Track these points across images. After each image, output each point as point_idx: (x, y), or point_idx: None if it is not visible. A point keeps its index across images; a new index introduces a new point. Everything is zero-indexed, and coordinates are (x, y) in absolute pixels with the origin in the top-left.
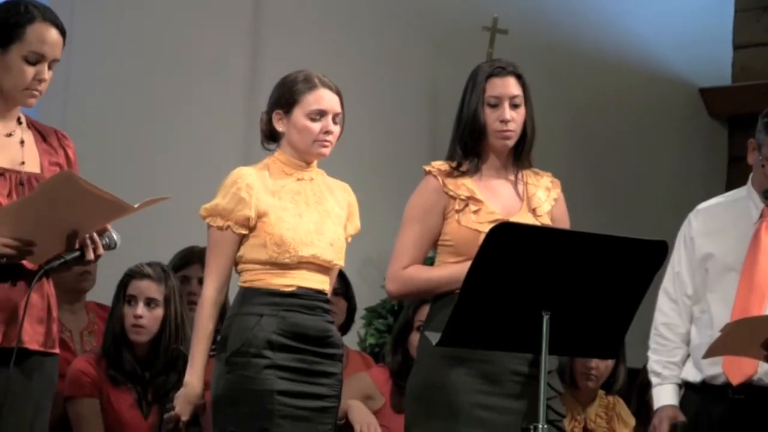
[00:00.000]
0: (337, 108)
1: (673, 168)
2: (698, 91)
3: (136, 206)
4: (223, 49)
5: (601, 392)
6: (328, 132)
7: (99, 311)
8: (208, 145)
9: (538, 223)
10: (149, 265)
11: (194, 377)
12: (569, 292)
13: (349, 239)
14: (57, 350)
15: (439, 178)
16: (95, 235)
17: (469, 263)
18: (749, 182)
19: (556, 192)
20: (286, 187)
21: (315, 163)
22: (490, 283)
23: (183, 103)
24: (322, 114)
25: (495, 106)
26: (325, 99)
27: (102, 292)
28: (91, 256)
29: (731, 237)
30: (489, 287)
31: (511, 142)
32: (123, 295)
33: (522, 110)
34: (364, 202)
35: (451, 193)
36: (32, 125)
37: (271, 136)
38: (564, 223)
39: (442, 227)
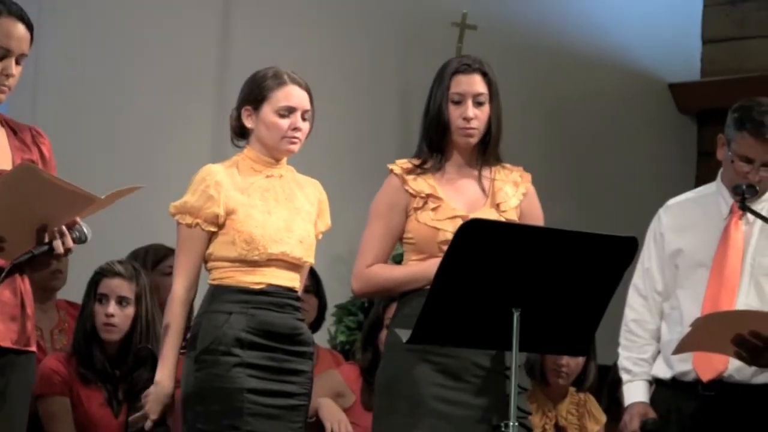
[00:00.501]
0: (306, 105)
1: (644, 163)
2: (667, 86)
3: (103, 197)
4: (193, 43)
5: (572, 389)
6: (296, 129)
7: (69, 309)
8: (179, 140)
9: (502, 219)
10: (120, 263)
11: (165, 376)
12: (539, 289)
13: (320, 236)
14: (33, 348)
15: (401, 176)
16: (64, 228)
17: (430, 261)
18: (718, 178)
19: (525, 186)
20: (255, 184)
21: (284, 160)
22: (459, 280)
23: (153, 97)
24: (290, 110)
25: (459, 102)
26: (294, 95)
27: (72, 290)
28: (60, 249)
29: (701, 233)
30: (459, 284)
31: (473, 140)
32: (94, 293)
33: (486, 108)
34: (335, 199)
35: (411, 191)
36: (5, 122)
37: (241, 133)
38: (535, 216)
39: (405, 225)
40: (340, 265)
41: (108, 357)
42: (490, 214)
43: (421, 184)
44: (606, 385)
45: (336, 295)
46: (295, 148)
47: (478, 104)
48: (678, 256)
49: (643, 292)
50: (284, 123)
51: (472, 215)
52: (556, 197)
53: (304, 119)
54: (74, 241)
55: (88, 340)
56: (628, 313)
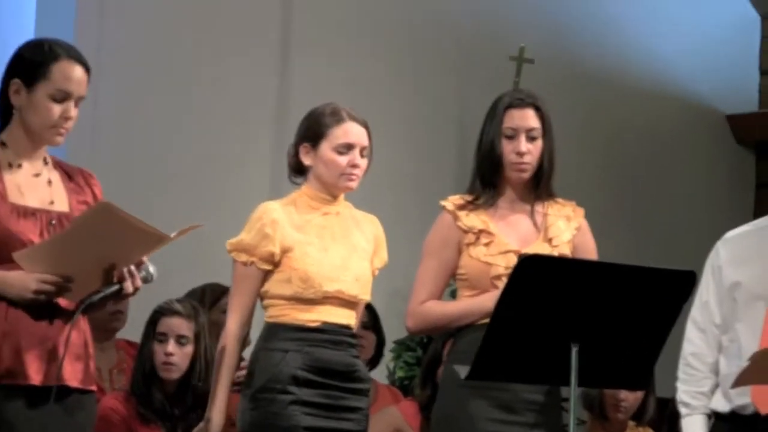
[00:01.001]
0: (365, 141)
1: (702, 195)
2: (725, 117)
3: (172, 235)
4: (251, 80)
5: (631, 423)
6: (355, 165)
7: (128, 349)
8: (237, 179)
9: (555, 253)
10: (179, 301)
11: (215, 412)
12: (597, 323)
13: (376, 272)
14: (94, 387)
15: (453, 212)
16: (133, 268)
17: (482, 297)
18: None
19: (578, 221)
20: (313, 222)
21: (342, 196)
22: (517, 316)
23: (211, 137)
24: (349, 147)
25: (511, 137)
26: (353, 132)
27: (130, 329)
28: (130, 289)
29: (759, 265)
30: (517, 320)
31: (526, 175)
32: (153, 332)
33: (539, 143)
34: (393, 234)
35: (463, 227)
36: (58, 165)
37: (298, 170)
38: (588, 250)
39: (458, 261)
40: (398, 300)
41: (167, 396)
42: (543, 249)
43: (474, 219)
44: (666, 418)
45: (394, 330)
46: (354, 185)
47: (531, 139)
48: (736, 289)
49: (702, 325)
50: (343, 160)
51: (525, 250)
52: (612, 229)
53: (362, 156)
54: (142, 280)
55: (147, 379)
56: (687, 347)
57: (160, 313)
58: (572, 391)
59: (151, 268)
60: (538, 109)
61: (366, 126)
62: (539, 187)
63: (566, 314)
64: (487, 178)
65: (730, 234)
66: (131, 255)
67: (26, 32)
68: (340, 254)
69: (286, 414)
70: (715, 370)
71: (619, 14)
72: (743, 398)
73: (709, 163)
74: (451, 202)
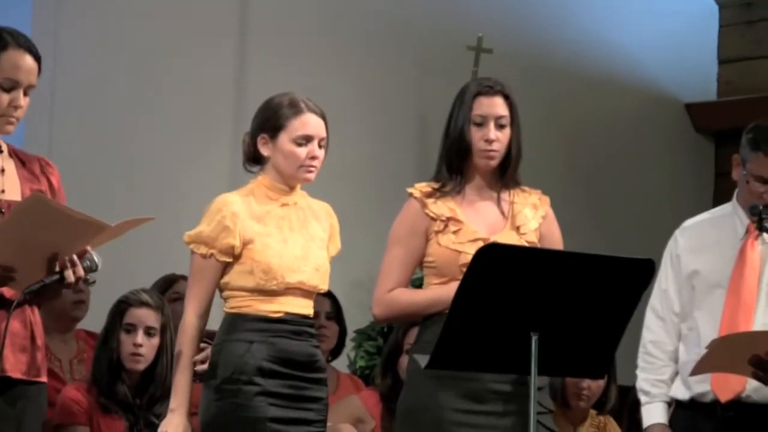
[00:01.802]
0: (323, 133)
1: (661, 183)
2: (684, 106)
3: (113, 225)
4: (208, 69)
5: (592, 411)
6: (314, 157)
7: (88, 339)
8: (197, 170)
9: (522, 242)
10: (146, 292)
11: (180, 405)
12: (557, 312)
13: (330, 260)
14: (44, 378)
15: (420, 199)
16: (75, 257)
17: (451, 285)
18: (734, 198)
19: (545, 209)
20: (271, 213)
21: (299, 186)
22: (477, 305)
23: (169, 128)
24: (308, 139)
25: (480, 124)
26: (311, 124)
27: (89, 320)
28: (71, 278)
29: (717, 253)
30: (477, 309)
31: (494, 162)
32: (119, 322)
33: (507, 131)
34: (352, 224)
35: (431, 215)
36: (14, 153)
37: (255, 159)
38: (554, 239)
39: (426, 249)
40: (358, 290)
41: (130, 387)
42: (511, 237)
43: (441, 207)
44: (626, 406)
45: (355, 320)
46: (312, 176)
47: (500, 127)
48: (695, 277)
49: (661, 313)
50: (302, 152)
51: (493, 238)
52: (572, 219)
53: (320, 147)
54: (85, 270)
55: (112, 370)
56: (646, 335)
57: (127, 304)
58: (532, 380)
59: (96, 258)
60: (507, 98)
61: (324, 117)
62: (506, 175)
63: (526, 303)
64: (455, 165)
65: (689, 222)
66: (72, 244)
67: None
68: (300, 245)
69: (252, 405)
70: (675, 358)
71: (578, 4)
72: (703, 386)
73: (668, 152)
74: (419, 189)
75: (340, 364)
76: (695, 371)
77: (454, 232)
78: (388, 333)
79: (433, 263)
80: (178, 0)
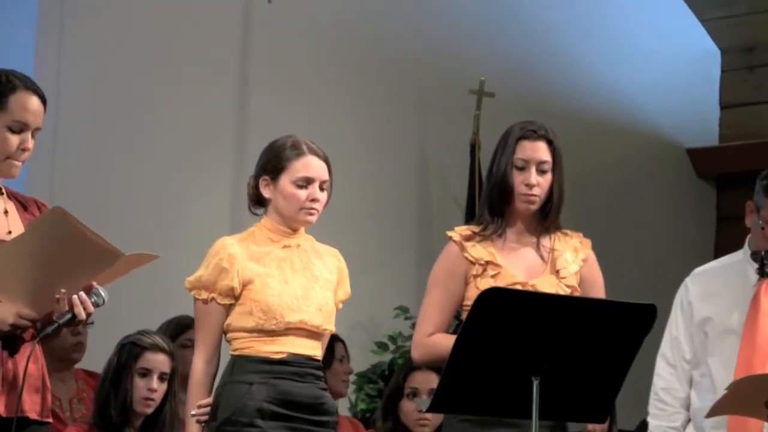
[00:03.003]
0: (325, 175)
1: (663, 228)
2: (686, 151)
3: (126, 254)
4: (209, 112)
5: None
6: (314, 200)
7: (87, 379)
8: (197, 212)
9: (561, 286)
10: (157, 335)
11: None
12: (559, 357)
13: (340, 305)
14: (51, 419)
15: (460, 243)
16: (83, 293)
17: None
18: (746, 245)
19: (585, 252)
20: (272, 254)
21: (302, 229)
22: (479, 348)
23: (170, 166)
24: (309, 181)
25: (522, 168)
26: (313, 166)
27: (87, 359)
28: (83, 315)
29: (729, 300)
30: (478, 352)
31: (534, 207)
32: (133, 365)
33: (549, 176)
34: (355, 267)
35: (470, 258)
36: (12, 196)
37: (258, 201)
38: (595, 282)
39: (465, 292)
40: (359, 332)
41: (134, 429)
42: (550, 281)
43: (480, 251)
44: None
45: (356, 362)
46: (313, 219)
47: (542, 172)
48: (707, 323)
49: (672, 360)
50: (302, 194)
51: (532, 282)
52: None
53: (322, 189)
54: (93, 305)
55: (121, 412)
56: (657, 382)
57: (141, 348)
58: (534, 425)
59: (102, 292)
60: (550, 143)
61: (326, 159)
62: (547, 219)
63: (528, 347)
64: (497, 209)
65: (699, 270)
66: (85, 271)
67: None
68: (301, 285)
69: None
70: (686, 405)
71: (581, 49)
72: (719, 431)
73: (670, 197)
74: (458, 232)
75: (342, 406)
76: (712, 413)
77: (493, 276)
78: (389, 376)
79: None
80: (179, 36)
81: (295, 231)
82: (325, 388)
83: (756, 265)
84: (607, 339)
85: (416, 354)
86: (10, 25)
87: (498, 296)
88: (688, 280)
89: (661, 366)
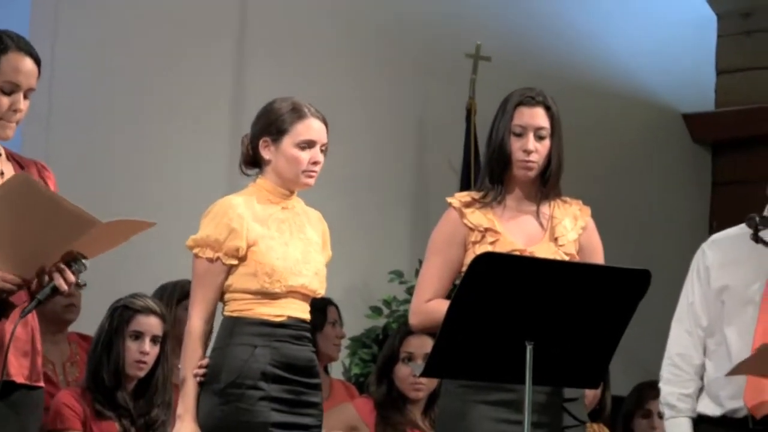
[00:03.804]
0: (325, 138)
1: (658, 193)
2: (681, 116)
3: (104, 222)
4: (207, 74)
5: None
6: (315, 162)
7: (81, 342)
8: (193, 176)
9: (560, 253)
10: (150, 299)
11: (188, 410)
12: (553, 322)
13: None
14: (42, 383)
15: (459, 209)
16: (62, 264)
17: None
18: (766, 213)
19: (584, 220)
20: (273, 216)
21: (296, 191)
22: (473, 313)
23: (167, 130)
24: (311, 144)
25: (520, 135)
26: (315, 128)
27: (81, 322)
28: (64, 286)
29: (749, 269)
30: (472, 317)
31: (532, 173)
32: (124, 328)
33: (547, 142)
34: (349, 230)
35: (470, 225)
36: (11, 157)
37: (253, 162)
38: (594, 249)
39: (464, 258)
40: (353, 296)
41: (127, 392)
42: (549, 248)
43: (480, 217)
44: (620, 416)
45: (350, 327)
46: (312, 182)
47: (539, 138)
48: (725, 292)
49: (687, 327)
50: (305, 156)
51: (530, 249)
52: None
53: (321, 152)
54: (74, 272)
55: (114, 375)
56: (672, 347)
57: (133, 311)
58: (527, 390)
59: (83, 260)
60: (548, 109)
61: (325, 122)
62: (546, 186)
63: (521, 312)
64: (496, 175)
65: (718, 236)
66: (62, 237)
67: None
68: (300, 248)
69: (256, 410)
70: (700, 373)
71: (576, 13)
72: (735, 402)
73: (666, 162)
74: (458, 199)
75: (335, 370)
76: (735, 371)
77: (492, 243)
78: (383, 340)
79: None
80: (175, 4)
81: (291, 193)
82: (314, 350)
83: None
84: (601, 304)
85: (414, 320)
86: None
87: (492, 261)
88: (705, 246)
89: (676, 331)
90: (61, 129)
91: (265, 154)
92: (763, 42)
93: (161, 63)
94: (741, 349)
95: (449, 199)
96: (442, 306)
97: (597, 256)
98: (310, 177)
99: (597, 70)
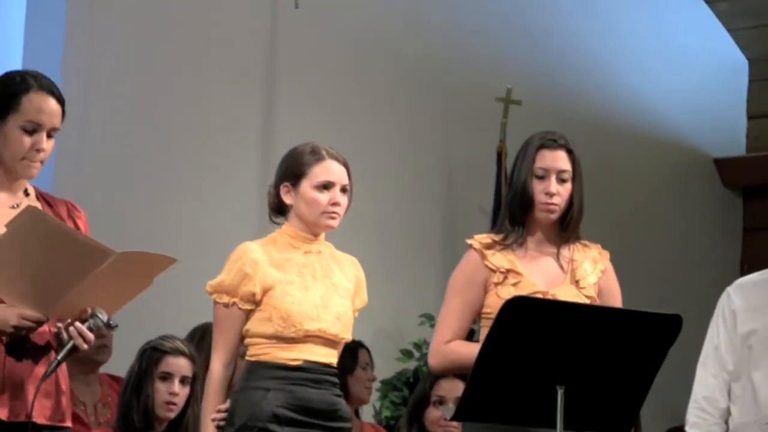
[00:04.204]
0: (345, 179)
1: (689, 238)
2: (712, 161)
3: (118, 252)
4: (237, 120)
5: None
6: (335, 203)
7: (112, 383)
8: (223, 216)
9: (581, 296)
10: (179, 340)
11: None
12: (584, 366)
13: (356, 314)
14: (68, 423)
15: (480, 251)
16: (78, 324)
17: None
18: None
19: (604, 263)
20: (293, 260)
21: (323, 236)
22: (504, 357)
23: (197, 174)
24: (329, 185)
25: (542, 177)
26: (333, 170)
27: (112, 364)
28: (83, 345)
29: None
30: (503, 361)
31: (554, 216)
32: (154, 370)
33: (569, 185)
34: (378, 275)
35: (491, 266)
36: (41, 197)
37: (279, 210)
38: (613, 293)
39: (484, 300)
40: (384, 339)
41: None
42: (570, 291)
43: (501, 259)
44: None
45: (381, 370)
46: (335, 223)
47: (561, 181)
48: (752, 336)
49: (713, 370)
50: (323, 198)
51: (552, 291)
52: None
53: (343, 193)
54: (91, 330)
55: (145, 417)
56: (698, 390)
57: (162, 352)
58: None
59: (99, 314)
60: (570, 152)
61: (346, 164)
62: (567, 229)
63: (552, 356)
64: (517, 218)
65: (744, 280)
66: (78, 269)
67: (14, 62)
68: (321, 293)
69: None
70: (725, 417)
71: (608, 57)
72: None
73: (696, 207)
74: (478, 240)
75: (366, 414)
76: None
77: (514, 285)
78: (414, 383)
79: (491, 315)
80: (207, 45)
81: (316, 236)
82: (340, 394)
83: None
84: (632, 349)
85: (434, 361)
86: (39, 17)
87: (523, 305)
88: (730, 290)
89: (701, 375)
90: (93, 169)
91: (287, 199)
92: None
93: (191, 107)
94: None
95: (470, 241)
96: (462, 348)
97: (615, 299)
98: (332, 218)
99: (628, 113)
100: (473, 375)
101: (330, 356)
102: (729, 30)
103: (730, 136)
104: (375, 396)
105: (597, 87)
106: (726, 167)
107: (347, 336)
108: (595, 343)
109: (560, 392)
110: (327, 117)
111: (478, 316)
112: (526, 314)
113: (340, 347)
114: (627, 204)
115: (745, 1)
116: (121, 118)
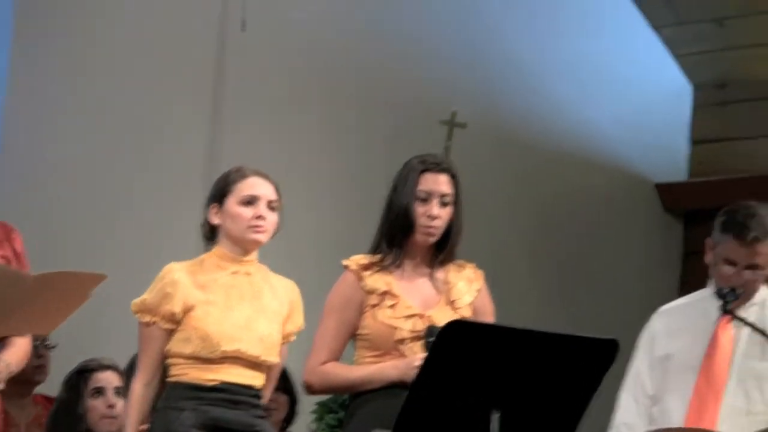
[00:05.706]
0: (271, 195)
1: (629, 262)
2: (654, 185)
3: (35, 274)
4: (181, 141)
5: None
6: (260, 217)
7: (46, 404)
8: (164, 237)
9: (457, 316)
10: (102, 357)
11: None
12: (520, 390)
13: (292, 337)
14: None
15: (357, 272)
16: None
17: (386, 364)
18: (710, 282)
19: (479, 283)
20: (219, 281)
21: (255, 257)
22: (440, 380)
23: (139, 195)
24: (253, 200)
25: (425, 200)
26: (257, 185)
27: (48, 384)
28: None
29: (691, 337)
30: (439, 384)
31: (433, 239)
32: (83, 388)
33: (450, 209)
34: (315, 296)
35: (367, 288)
36: None
37: (211, 237)
38: (487, 313)
39: (360, 321)
40: None
41: None
42: (445, 312)
43: (378, 281)
44: None
45: None
46: (261, 237)
47: (443, 204)
48: (668, 360)
49: (635, 395)
50: (248, 212)
51: (428, 312)
52: (539, 295)
53: (271, 209)
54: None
55: None
56: (619, 416)
57: (90, 370)
58: None
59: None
60: (452, 176)
61: (273, 182)
62: (443, 252)
63: (488, 380)
64: (397, 240)
65: (665, 307)
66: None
67: None
68: (246, 314)
69: None
70: None
71: (552, 81)
72: None
73: (637, 231)
74: (355, 262)
75: None
76: None
77: (391, 307)
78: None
79: (367, 336)
80: (153, 70)
81: (246, 253)
82: (262, 416)
83: (720, 302)
84: (569, 373)
85: (310, 380)
86: None
87: (462, 328)
88: (654, 316)
89: (623, 400)
90: (22, 184)
91: (215, 219)
92: (737, 113)
93: (134, 133)
94: (680, 416)
95: (345, 262)
96: (338, 369)
97: (489, 318)
98: (257, 232)
99: (571, 137)
100: (408, 398)
101: (252, 378)
102: (674, 55)
103: (672, 161)
104: (311, 418)
105: (540, 111)
106: (667, 192)
107: (271, 359)
108: (531, 367)
109: (495, 417)
110: (270, 138)
111: (353, 338)
112: (463, 338)
113: (274, 371)
114: (568, 228)
115: (691, 27)
116: (54, 125)
